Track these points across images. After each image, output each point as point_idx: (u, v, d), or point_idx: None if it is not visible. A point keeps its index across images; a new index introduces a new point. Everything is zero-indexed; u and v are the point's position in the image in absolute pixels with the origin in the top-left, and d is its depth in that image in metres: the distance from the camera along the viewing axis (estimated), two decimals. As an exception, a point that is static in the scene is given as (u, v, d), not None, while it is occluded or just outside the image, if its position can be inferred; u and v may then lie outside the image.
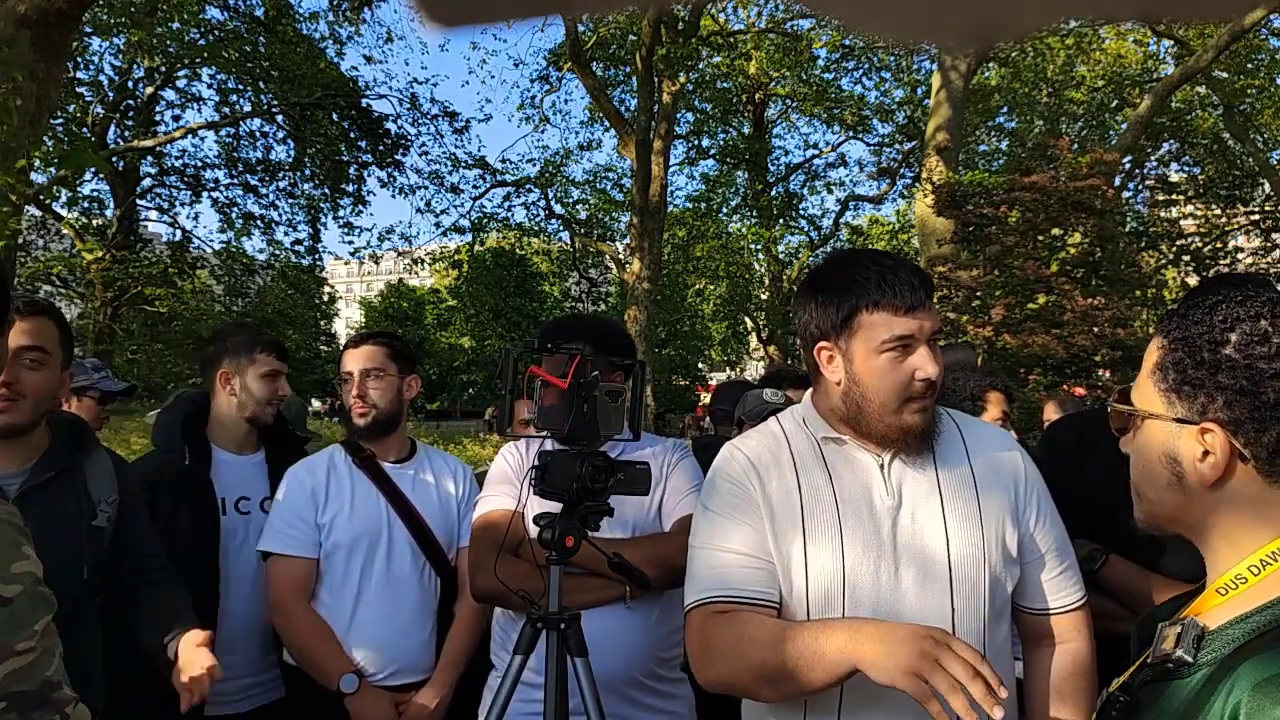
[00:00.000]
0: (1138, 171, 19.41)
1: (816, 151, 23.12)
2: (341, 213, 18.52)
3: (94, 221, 19.19)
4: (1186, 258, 16.24)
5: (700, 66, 18.16)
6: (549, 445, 1.95)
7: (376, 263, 22.93)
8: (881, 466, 1.43)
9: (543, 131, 23.06)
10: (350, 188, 18.39)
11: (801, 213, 24.10)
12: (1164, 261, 15.99)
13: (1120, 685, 1.01)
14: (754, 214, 22.73)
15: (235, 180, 18.77)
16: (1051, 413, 5.84)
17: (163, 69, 17.30)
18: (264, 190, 18.78)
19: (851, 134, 21.92)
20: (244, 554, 2.37)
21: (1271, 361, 0.87)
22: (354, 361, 2.35)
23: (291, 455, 2.52)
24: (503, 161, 22.42)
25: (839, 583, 1.38)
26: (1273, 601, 0.87)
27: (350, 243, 19.26)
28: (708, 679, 1.41)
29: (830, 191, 28.90)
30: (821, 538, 1.40)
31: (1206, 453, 0.91)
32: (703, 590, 1.43)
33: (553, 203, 20.52)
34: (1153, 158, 19.51)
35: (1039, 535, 1.48)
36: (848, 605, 1.38)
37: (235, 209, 18.88)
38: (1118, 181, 15.17)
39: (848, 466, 1.45)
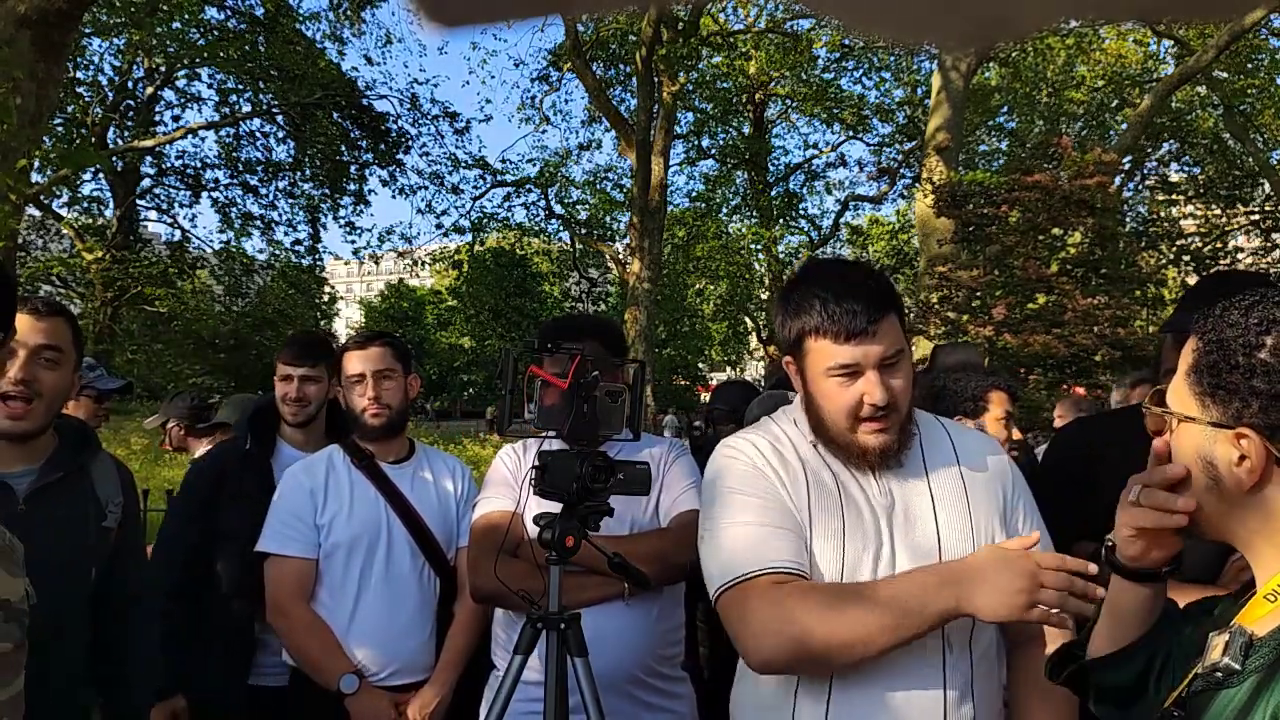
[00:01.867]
0: (1138, 171, 19.42)
1: (816, 151, 23.17)
2: (342, 212, 18.54)
3: (94, 221, 19.19)
4: (1186, 258, 16.25)
5: (700, 66, 18.17)
6: (549, 445, 1.95)
7: (376, 263, 22.94)
8: (873, 469, 1.46)
9: (543, 132, 23.10)
10: (351, 187, 18.40)
11: (801, 213, 24.17)
12: (1164, 261, 15.99)
13: (1175, 699, 1.00)
14: (754, 214, 22.74)
15: (235, 180, 18.79)
16: (1062, 413, 5.86)
17: (162, 69, 17.29)
18: (264, 190, 18.81)
19: (851, 134, 21.94)
20: None
21: None
22: (364, 363, 2.33)
23: None
24: (503, 161, 22.39)
25: (838, 578, 1.41)
26: None
27: (351, 243, 19.32)
28: (764, 658, 1.35)
29: (830, 192, 28.97)
30: (825, 531, 1.43)
31: (1243, 457, 0.90)
32: (729, 571, 1.38)
33: (553, 203, 20.56)
34: (1153, 158, 19.52)
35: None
36: None
37: (235, 209, 18.91)
38: (1118, 181, 15.17)
39: (843, 468, 1.48)
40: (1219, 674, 0.92)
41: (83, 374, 3.16)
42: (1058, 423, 6.07)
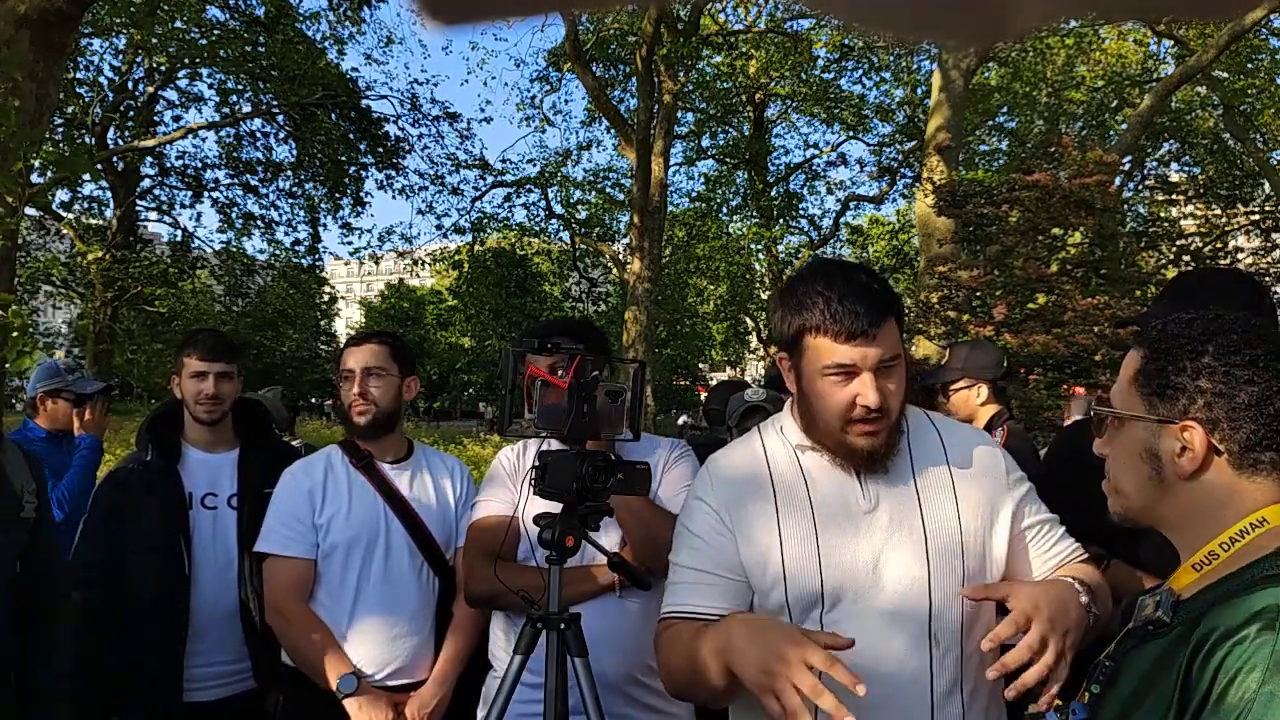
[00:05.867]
0: (1138, 171, 19.40)
1: (816, 151, 23.13)
2: (341, 213, 18.51)
3: (94, 222, 19.17)
4: (1187, 258, 16.22)
5: (700, 66, 18.14)
6: (549, 445, 1.95)
7: (376, 263, 22.92)
8: (857, 471, 1.46)
9: (543, 132, 23.08)
10: (350, 188, 18.37)
11: (801, 213, 24.09)
12: (1164, 261, 15.98)
13: (1106, 654, 1.12)
14: (754, 214, 22.71)
15: (235, 181, 18.75)
16: (1069, 416, 5.89)
17: (162, 69, 17.27)
18: (264, 190, 18.78)
19: (851, 134, 21.92)
20: (210, 547, 2.48)
21: (1245, 369, 1.01)
22: (356, 359, 2.34)
23: (267, 455, 2.62)
24: (503, 162, 22.35)
25: (816, 584, 1.42)
26: (1240, 569, 1.00)
27: (348, 244, 19.28)
28: (666, 688, 1.56)
29: (830, 191, 28.94)
30: (798, 543, 1.44)
31: (1184, 448, 1.03)
32: (663, 607, 1.53)
33: (553, 203, 20.54)
34: (1153, 158, 19.49)
35: (1030, 521, 1.53)
36: (827, 604, 1.42)
37: (235, 209, 18.88)
38: (1118, 181, 15.16)
39: (824, 472, 1.48)
40: (1150, 626, 1.05)
41: (60, 378, 3.17)
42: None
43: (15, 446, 1.95)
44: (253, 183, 18.71)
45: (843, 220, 24.34)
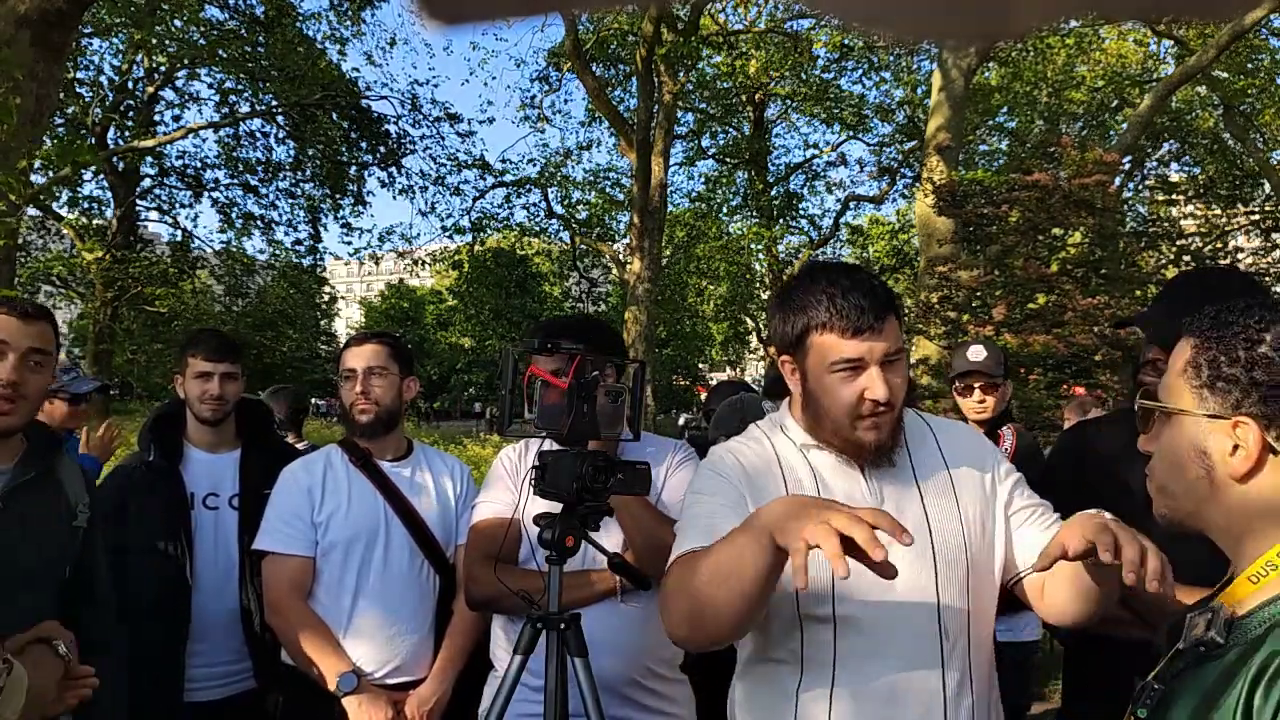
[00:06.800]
0: (1138, 171, 19.40)
1: (816, 151, 23.12)
2: (342, 213, 18.50)
3: (94, 221, 19.17)
4: (1187, 258, 16.21)
5: (700, 66, 18.14)
6: (550, 444, 1.95)
7: (376, 263, 22.91)
8: (862, 469, 1.50)
9: (543, 132, 23.05)
10: (351, 188, 18.36)
11: (801, 213, 24.08)
12: (1164, 261, 15.98)
13: (1154, 675, 1.04)
14: (754, 214, 22.71)
15: (235, 180, 18.74)
16: (1069, 416, 5.88)
17: (162, 69, 17.27)
18: (264, 190, 18.76)
19: (851, 134, 21.91)
20: (211, 548, 2.49)
21: None
22: (358, 359, 2.35)
23: (269, 455, 2.62)
24: (503, 162, 22.33)
25: (826, 573, 1.40)
26: None
27: (348, 243, 19.27)
28: (671, 625, 1.37)
29: (830, 191, 28.92)
30: None
31: (1237, 447, 0.94)
32: (678, 550, 1.42)
33: (553, 203, 20.54)
34: (1153, 158, 19.49)
35: (1022, 505, 1.55)
36: (838, 595, 1.43)
37: (235, 209, 18.87)
38: (1118, 181, 15.16)
39: (831, 469, 1.51)
40: (1202, 648, 0.96)
41: (56, 376, 3.17)
42: (1067, 426, 6.09)
43: (72, 461, 2.01)
44: (252, 183, 18.71)
45: (843, 220, 24.35)
